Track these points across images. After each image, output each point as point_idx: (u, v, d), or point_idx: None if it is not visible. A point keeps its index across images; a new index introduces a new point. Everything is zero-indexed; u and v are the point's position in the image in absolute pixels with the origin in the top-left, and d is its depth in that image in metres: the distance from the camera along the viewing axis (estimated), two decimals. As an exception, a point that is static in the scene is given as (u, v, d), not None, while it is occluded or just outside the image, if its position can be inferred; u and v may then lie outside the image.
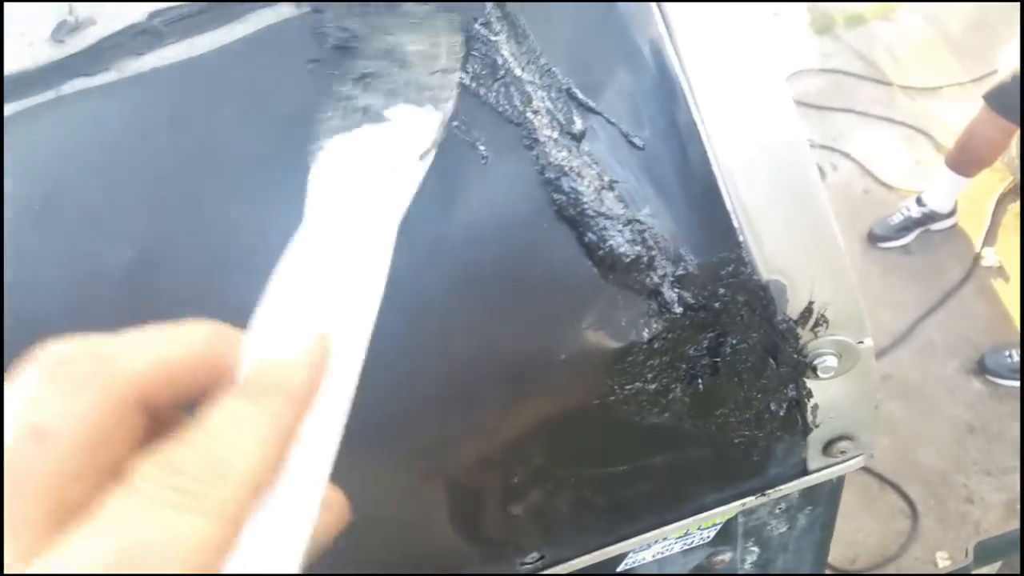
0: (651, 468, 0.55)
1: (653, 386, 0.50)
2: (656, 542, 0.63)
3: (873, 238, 2.43)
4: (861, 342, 0.52)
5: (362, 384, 0.48)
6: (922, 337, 2.22)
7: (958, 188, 2.38)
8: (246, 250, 0.47)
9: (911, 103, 2.76)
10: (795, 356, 0.51)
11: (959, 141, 2.31)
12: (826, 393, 0.54)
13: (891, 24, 3.00)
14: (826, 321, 0.51)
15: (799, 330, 0.50)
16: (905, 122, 2.70)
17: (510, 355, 0.49)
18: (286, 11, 0.51)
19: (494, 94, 0.48)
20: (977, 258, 2.36)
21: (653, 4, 0.49)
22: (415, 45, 0.47)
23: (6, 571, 0.21)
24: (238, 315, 0.47)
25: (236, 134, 0.48)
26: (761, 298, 0.49)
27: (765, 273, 0.49)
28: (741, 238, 0.48)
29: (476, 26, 0.50)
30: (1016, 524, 1.89)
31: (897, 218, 2.44)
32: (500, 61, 0.49)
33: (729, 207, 0.47)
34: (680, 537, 0.64)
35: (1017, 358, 2.09)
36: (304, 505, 0.28)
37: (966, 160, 2.31)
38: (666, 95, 0.48)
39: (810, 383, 0.53)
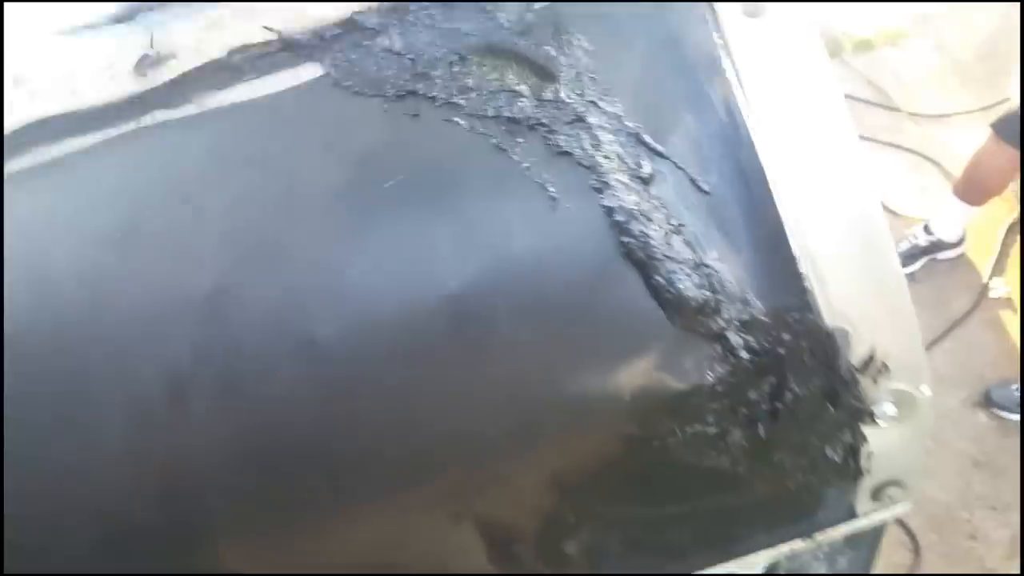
0: (703, 509, 0.55)
1: (713, 429, 0.50)
2: (700, 581, 0.63)
3: (880, 265, 2.43)
4: (920, 391, 0.52)
5: (412, 404, 0.49)
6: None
7: (966, 217, 2.38)
8: (320, 282, 0.47)
9: (919, 130, 2.77)
10: (855, 403, 0.51)
11: (967, 169, 2.31)
12: (881, 440, 0.54)
13: (900, 51, 3.01)
14: (887, 369, 0.51)
15: (860, 377, 0.51)
16: (913, 149, 2.71)
17: (574, 390, 0.49)
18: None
19: (564, 137, 0.49)
20: (984, 288, 2.36)
21: (722, 51, 0.49)
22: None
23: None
24: (308, 345, 0.47)
25: (313, 171, 0.49)
26: (825, 345, 0.49)
27: (830, 320, 0.49)
28: (807, 284, 0.48)
29: (547, 66, 0.50)
30: (1018, 561, 1.89)
31: (904, 246, 2.44)
32: (571, 103, 0.49)
33: (796, 253, 0.48)
34: (724, 576, 0.64)
35: (1025, 391, 2.09)
36: None
37: (974, 189, 2.32)
38: (733, 140, 0.49)
39: (866, 429, 0.53)
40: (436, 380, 0.48)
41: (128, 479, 0.47)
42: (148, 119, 0.51)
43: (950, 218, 2.39)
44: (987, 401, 2.13)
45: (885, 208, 2.47)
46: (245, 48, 0.52)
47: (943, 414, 2.13)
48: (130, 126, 0.51)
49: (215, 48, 0.53)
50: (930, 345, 2.24)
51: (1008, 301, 2.31)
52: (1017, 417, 2.08)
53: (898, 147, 2.71)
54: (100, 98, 0.52)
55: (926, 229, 2.43)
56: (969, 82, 2.83)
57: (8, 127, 0.52)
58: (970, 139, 2.40)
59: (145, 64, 0.52)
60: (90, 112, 0.52)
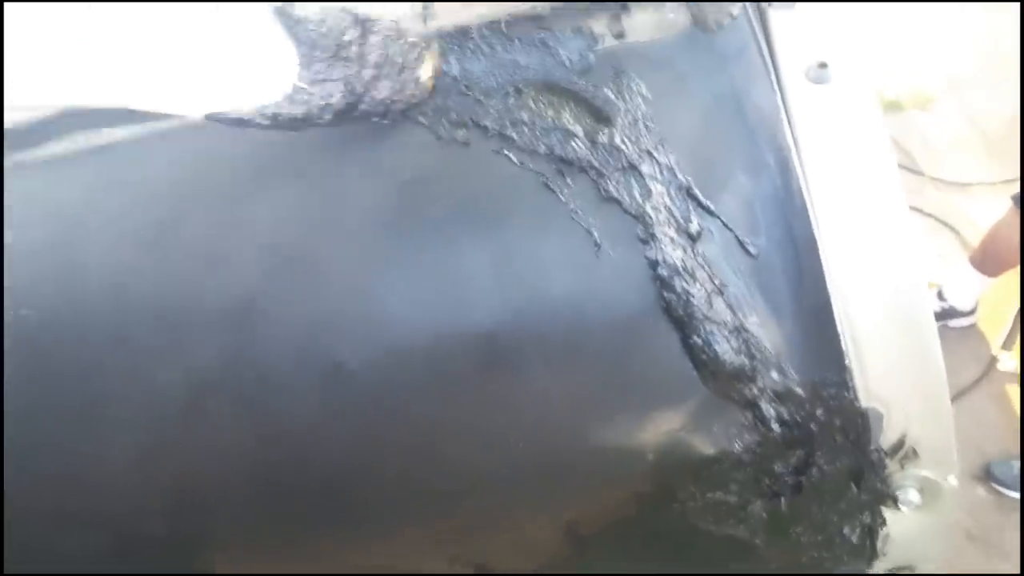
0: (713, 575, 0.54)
1: (734, 498, 0.49)
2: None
3: (889, 326, 2.42)
4: (946, 480, 0.51)
5: (436, 437, 0.48)
6: (929, 433, 2.21)
7: (980, 287, 2.37)
8: (353, 307, 0.46)
9: (940, 196, 2.77)
10: (879, 486, 0.50)
11: (985, 240, 2.31)
12: (900, 524, 0.53)
13: (928, 115, 3.01)
14: (916, 455, 0.50)
15: (888, 460, 0.49)
16: (933, 214, 2.71)
17: (598, 442, 0.48)
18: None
19: (614, 183, 0.48)
20: (993, 361, 2.35)
21: (783, 114, 0.48)
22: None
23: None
24: (334, 369, 0.46)
25: (358, 192, 0.48)
26: (857, 424, 0.48)
27: (865, 400, 0.48)
28: (847, 363, 0.47)
29: (604, 109, 0.49)
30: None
31: (916, 309, 2.43)
32: (625, 149, 0.48)
33: (839, 329, 0.47)
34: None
35: (1025, 469, 2.07)
36: None
37: (990, 260, 2.31)
38: (786, 206, 0.48)
39: (887, 512, 0.52)
40: (459, 418, 0.47)
41: (139, 485, 0.46)
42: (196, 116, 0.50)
43: (965, 286, 2.38)
44: (987, 475, 2.11)
45: (900, 269, 2.46)
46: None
47: (938, 483, 2.10)
48: (176, 122, 0.50)
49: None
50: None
51: (1015, 376, 2.29)
52: (1015, 494, 2.06)
53: (919, 211, 2.70)
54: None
55: (939, 295, 2.42)
56: (994, 153, 2.83)
57: (54, 109, 0.52)
58: (990, 209, 2.39)
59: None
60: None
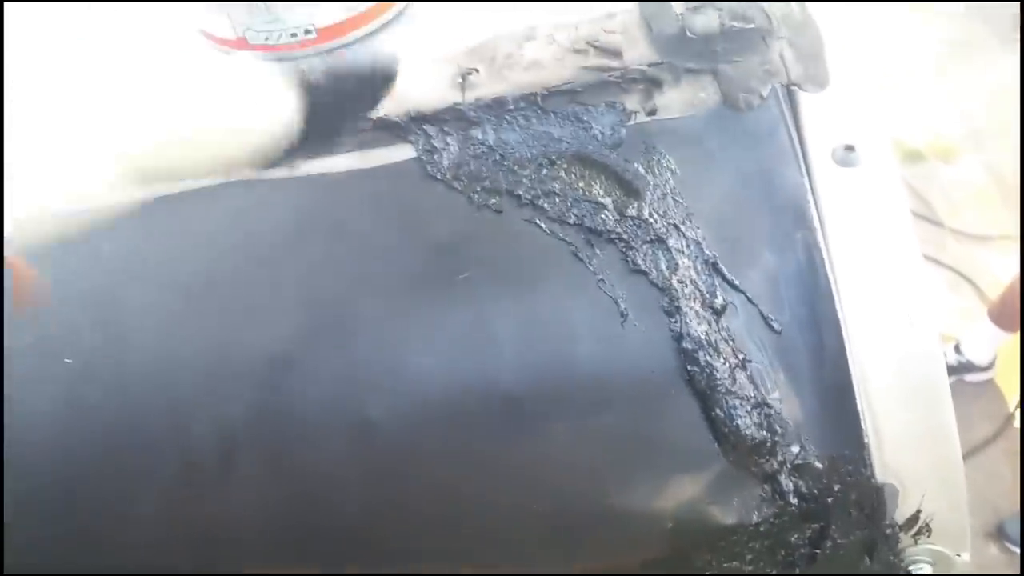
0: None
1: (750, 568, 0.50)
2: None
3: (905, 377, 2.41)
4: (959, 555, 0.52)
5: (454, 495, 0.49)
6: (943, 488, 2.19)
7: (997, 342, 2.36)
8: (383, 365, 0.48)
9: (960, 248, 2.77)
10: (891, 559, 0.51)
11: (1003, 294, 2.31)
12: (913, 596, 0.54)
13: (950, 167, 3.02)
14: (929, 530, 0.51)
15: (901, 535, 0.50)
16: (952, 267, 2.71)
17: (617, 509, 0.49)
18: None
19: (642, 255, 0.50)
20: (1010, 418, 2.34)
21: (809, 194, 0.50)
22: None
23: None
24: (363, 427, 0.47)
25: (391, 251, 0.50)
26: (873, 499, 0.49)
27: (881, 476, 0.49)
28: (866, 439, 0.48)
29: (634, 183, 0.51)
30: None
31: (932, 362, 2.42)
32: (653, 222, 0.50)
33: (859, 407, 0.48)
34: None
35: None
36: None
37: (1008, 314, 2.30)
38: (811, 286, 0.49)
39: (899, 585, 0.53)
40: (481, 477, 0.49)
41: (165, 538, 0.47)
42: (237, 175, 0.53)
43: (982, 341, 2.37)
44: (1000, 534, 2.10)
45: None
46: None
47: (951, 540, 2.08)
48: (218, 180, 0.52)
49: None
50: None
51: (1031, 433, 2.28)
52: (1026, 553, 2.04)
53: (938, 262, 2.70)
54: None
55: (956, 349, 2.42)
56: (1014, 206, 2.83)
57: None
58: (1010, 263, 2.39)
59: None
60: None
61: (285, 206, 0.52)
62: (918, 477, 0.49)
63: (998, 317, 2.32)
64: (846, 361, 0.48)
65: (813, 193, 0.51)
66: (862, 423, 0.48)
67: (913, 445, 0.49)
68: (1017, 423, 2.31)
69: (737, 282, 0.49)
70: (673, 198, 0.51)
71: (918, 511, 0.50)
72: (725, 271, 0.50)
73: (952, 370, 2.39)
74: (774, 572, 0.50)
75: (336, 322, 0.49)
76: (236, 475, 0.48)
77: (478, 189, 0.51)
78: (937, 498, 0.50)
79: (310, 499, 0.48)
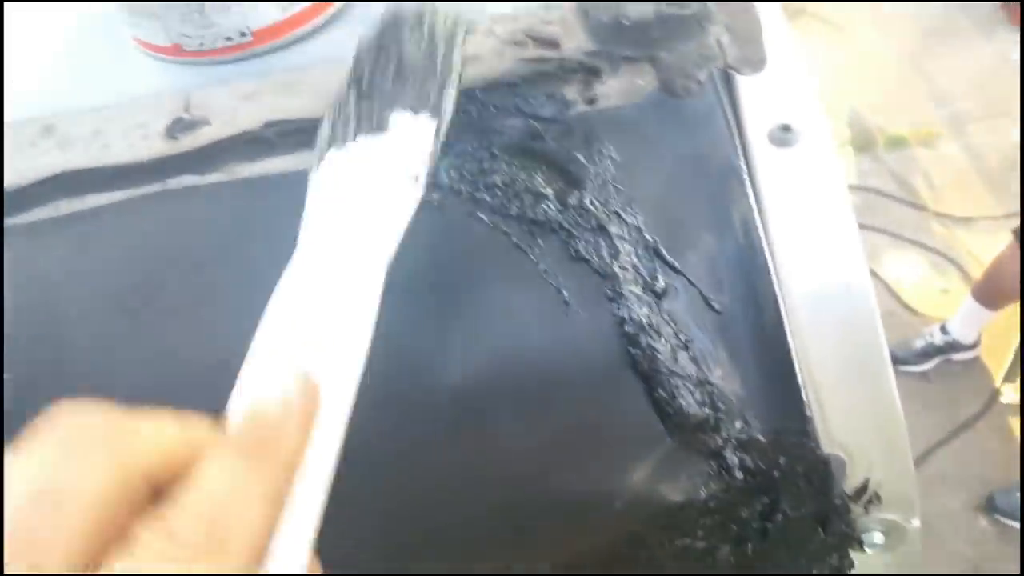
0: (685, 617, 0.56)
1: (702, 544, 0.51)
2: None
3: (893, 360, 2.43)
4: (910, 522, 0.53)
5: (405, 495, 0.49)
6: (933, 467, 2.21)
7: (983, 320, 2.38)
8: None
9: (943, 230, 2.78)
10: (844, 529, 0.52)
11: (987, 273, 2.33)
12: (867, 564, 0.54)
13: (931, 151, 3.04)
14: (879, 499, 0.51)
15: (852, 505, 0.51)
16: (936, 248, 2.73)
17: (565, 494, 0.50)
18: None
19: (584, 243, 0.50)
20: (996, 393, 2.35)
21: (745, 175, 0.51)
22: (412, 56, 0.48)
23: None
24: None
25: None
26: (820, 471, 0.50)
27: (827, 447, 0.50)
28: (808, 412, 0.49)
29: (575, 173, 0.52)
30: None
31: (919, 343, 2.44)
32: (594, 210, 0.51)
33: (800, 381, 0.49)
34: None
35: (1030, 501, 2.07)
36: (296, 566, 0.27)
37: (992, 293, 2.33)
38: (749, 264, 0.50)
39: (854, 555, 0.54)
40: (429, 473, 0.49)
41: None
42: (174, 183, 0.53)
43: (967, 320, 2.40)
44: (990, 506, 2.12)
45: (904, 304, 2.48)
46: (280, 122, 0.54)
47: (944, 515, 2.11)
48: (155, 187, 0.52)
49: (251, 119, 0.55)
50: (937, 446, 2.24)
51: (1017, 408, 2.30)
52: (1017, 524, 2.06)
53: (922, 245, 2.72)
54: (130, 156, 0.53)
55: (943, 329, 2.43)
56: (996, 188, 2.85)
57: (35, 176, 0.54)
58: (992, 244, 2.41)
59: (178, 127, 0.54)
60: (118, 169, 0.53)
61: (222, 213, 0.52)
62: (864, 447, 0.50)
63: (982, 296, 2.35)
64: (786, 336, 0.49)
65: (750, 173, 0.51)
66: (804, 396, 0.49)
67: (857, 415, 0.50)
68: (1003, 399, 2.33)
69: (678, 265, 0.50)
70: (614, 185, 0.52)
71: (866, 481, 0.51)
72: (666, 255, 0.50)
73: (939, 350, 2.41)
74: (727, 548, 0.51)
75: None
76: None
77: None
78: (884, 467, 0.51)
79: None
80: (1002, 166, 2.92)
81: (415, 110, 0.45)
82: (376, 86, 0.46)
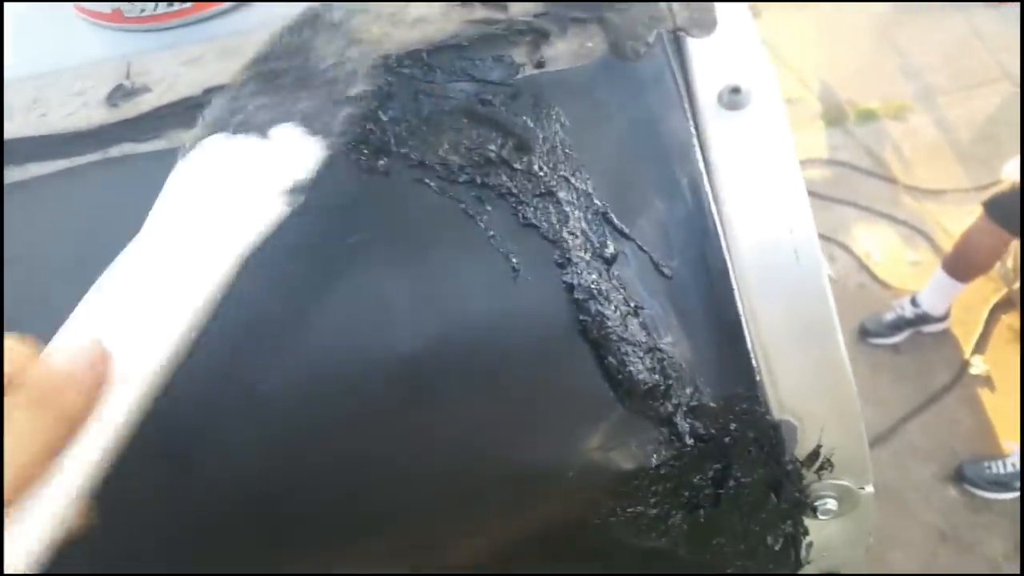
0: (641, 586, 0.55)
1: (655, 511, 0.50)
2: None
3: (864, 333, 2.45)
4: (863, 488, 0.52)
5: (358, 466, 0.49)
6: (903, 439, 2.23)
7: (953, 293, 2.40)
8: (272, 334, 0.47)
9: (914, 204, 2.80)
10: (797, 495, 0.52)
11: (957, 246, 2.35)
12: (822, 532, 0.54)
13: (902, 124, 3.05)
14: (831, 465, 0.51)
15: (804, 471, 0.51)
16: (907, 221, 2.74)
17: (517, 463, 0.49)
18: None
19: (532, 209, 0.49)
20: (965, 365, 2.38)
21: (695, 140, 0.50)
22: (324, 60, 0.47)
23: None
24: (253, 399, 0.47)
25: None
26: (771, 437, 0.49)
27: (777, 413, 0.49)
28: (758, 377, 0.48)
29: (523, 137, 0.51)
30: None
31: (890, 316, 2.46)
32: (543, 176, 0.50)
33: (750, 346, 0.48)
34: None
35: (997, 470, 2.09)
36: (56, 513, 0.31)
37: (962, 265, 2.35)
38: (699, 229, 0.49)
39: (808, 521, 0.53)
40: (382, 444, 0.49)
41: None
42: (115, 151, 0.52)
43: (937, 292, 2.42)
44: (959, 477, 2.14)
45: (875, 277, 2.49)
46: (221, 88, 0.53)
47: (914, 486, 2.14)
48: (96, 156, 0.51)
49: (191, 85, 0.53)
50: (907, 417, 2.26)
51: (987, 379, 2.32)
52: (987, 494, 2.09)
53: (892, 218, 2.74)
54: (70, 124, 0.52)
55: (913, 302, 2.45)
56: (966, 161, 2.87)
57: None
58: (962, 216, 2.43)
59: (119, 95, 0.52)
60: (58, 138, 0.52)
61: (164, 179, 0.51)
62: (815, 412, 0.50)
63: (952, 268, 2.37)
64: (735, 301, 0.48)
65: (699, 137, 0.51)
66: (754, 361, 0.48)
67: (807, 380, 0.49)
68: (973, 370, 2.35)
69: (627, 230, 0.50)
70: (563, 150, 0.51)
71: (818, 446, 0.51)
72: (615, 220, 0.50)
73: (909, 323, 2.43)
74: (679, 514, 0.50)
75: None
76: (128, 464, 0.47)
77: (364, 152, 0.51)
78: (836, 432, 0.51)
79: (203, 483, 0.48)
80: (972, 138, 2.94)
81: (307, 127, 0.44)
82: (275, 85, 0.46)
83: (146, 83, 0.53)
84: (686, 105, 0.52)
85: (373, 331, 0.48)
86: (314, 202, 0.49)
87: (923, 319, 2.43)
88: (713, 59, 0.53)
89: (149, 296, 0.37)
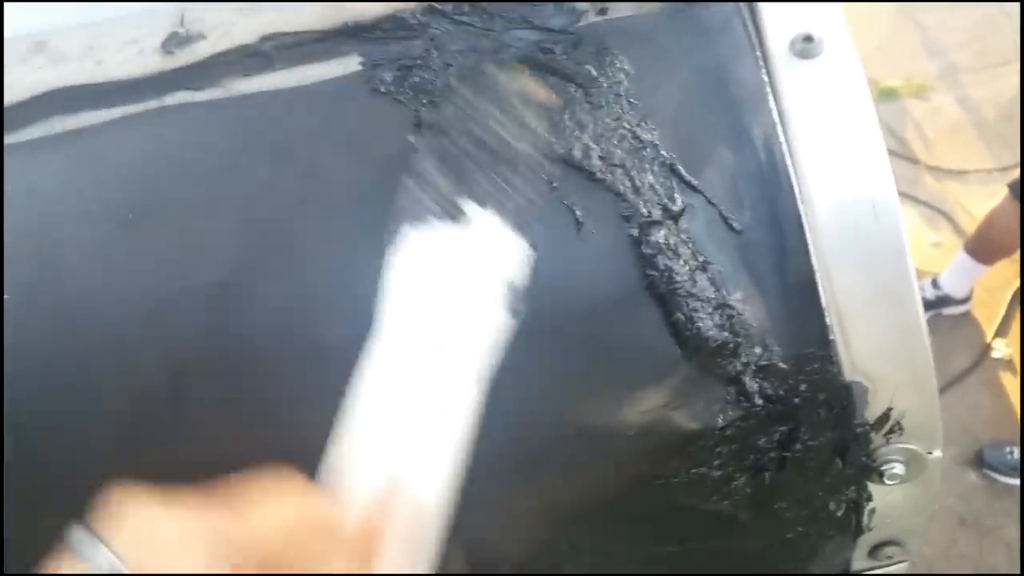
0: (697, 551, 0.54)
1: (718, 473, 0.49)
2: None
3: (884, 314, 2.43)
4: (931, 453, 0.51)
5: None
6: (923, 420, 2.21)
7: (975, 275, 2.38)
8: (336, 289, 0.46)
9: (936, 184, 2.77)
10: (864, 459, 0.50)
11: (980, 227, 2.31)
12: (886, 498, 0.53)
13: (924, 103, 3.01)
14: (901, 428, 0.50)
15: (873, 434, 0.49)
16: (928, 202, 2.71)
17: (580, 421, 0.48)
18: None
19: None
20: (987, 348, 2.35)
21: (768, 89, 0.48)
22: (504, 126, 0.47)
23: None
24: (319, 353, 0.46)
25: (335, 169, 0.47)
26: (842, 398, 0.48)
27: (849, 374, 0.48)
28: (832, 337, 0.47)
29: (586, 89, 0.49)
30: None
31: (911, 297, 2.44)
32: (607, 127, 0.48)
33: (824, 304, 0.46)
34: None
35: (1018, 456, 2.07)
36: None
37: (985, 247, 2.32)
38: (772, 182, 0.47)
39: (873, 487, 0.52)
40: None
41: (118, 475, 0.46)
42: (171, 99, 0.50)
43: (959, 275, 2.39)
44: (979, 461, 2.12)
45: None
46: (278, 36, 0.51)
47: (933, 470, 2.11)
48: (152, 104, 0.50)
49: (247, 33, 0.52)
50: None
51: (1009, 363, 2.30)
52: (1007, 480, 2.07)
53: (914, 199, 2.70)
54: (125, 72, 0.51)
55: (934, 284, 2.43)
56: (990, 141, 2.83)
57: (27, 92, 0.51)
58: (986, 197, 2.40)
59: (174, 42, 0.51)
60: (113, 85, 0.50)
61: (222, 128, 0.50)
62: (888, 375, 0.48)
63: (975, 250, 2.33)
64: (809, 258, 0.47)
65: (771, 86, 0.49)
66: (827, 321, 0.47)
67: (881, 342, 0.48)
68: (994, 354, 2.33)
69: (695, 183, 0.48)
70: (627, 99, 0.49)
71: (889, 409, 0.49)
72: (683, 172, 0.48)
73: (930, 304, 2.40)
74: (743, 477, 0.49)
75: (283, 245, 0.47)
76: (188, 409, 0.46)
77: (424, 102, 0.49)
78: (908, 395, 0.49)
79: (267, 431, 0.46)
80: (997, 118, 2.90)
81: (500, 208, 0.45)
82: (460, 152, 0.46)
83: (201, 31, 0.52)
84: (757, 53, 0.50)
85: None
86: (374, 152, 0.47)
87: (944, 301, 2.41)
88: (784, 6, 0.51)
89: (417, 432, 0.39)
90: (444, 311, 0.42)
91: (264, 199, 0.48)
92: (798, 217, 0.47)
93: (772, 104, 0.48)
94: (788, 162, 0.47)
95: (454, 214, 0.45)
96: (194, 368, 0.46)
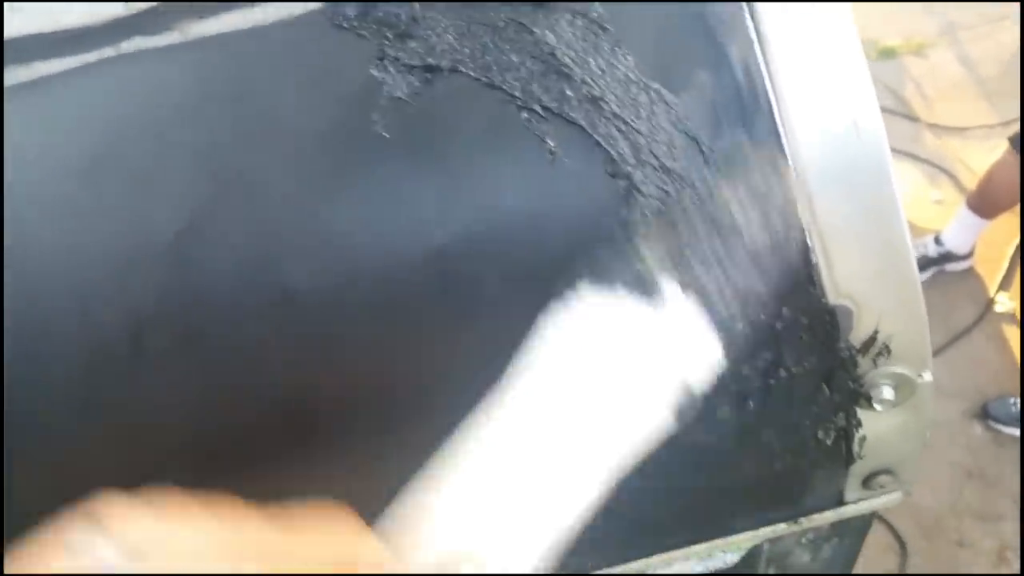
0: (684, 487, 0.53)
1: (701, 404, 0.48)
2: (678, 562, 0.61)
3: (887, 272, 2.42)
4: (920, 376, 0.50)
5: (399, 366, 0.47)
6: (928, 377, 2.21)
7: (977, 230, 2.36)
8: (298, 229, 0.45)
9: (937, 141, 2.74)
10: (851, 385, 0.49)
11: (981, 183, 2.30)
12: (876, 425, 0.52)
13: (923, 60, 2.98)
14: (888, 351, 0.49)
15: (859, 358, 0.49)
16: (930, 160, 2.69)
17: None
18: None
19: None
20: (990, 303, 2.34)
21: (746, 11, 0.47)
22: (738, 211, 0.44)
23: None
24: (282, 296, 0.45)
25: (298, 109, 0.46)
26: (826, 322, 0.47)
27: (833, 297, 0.47)
28: (813, 259, 0.46)
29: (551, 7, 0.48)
30: (1005, 571, 1.88)
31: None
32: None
33: (805, 225, 0.46)
34: (703, 559, 0.62)
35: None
36: None
37: (987, 202, 2.30)
38: (751, 106, 0.46)
39: (862, 413, 0.51)
40: (416, 340, 0.46)
41: (81, 429, 0.45)
42: (127, 45, 0.49)
43: (961, 230, 2.37)
44: (984, 414, 2.12)
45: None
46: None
47: (939, 424, 2.11)
48: (108, 52, 0.48)
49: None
50: (933, 355, 2.23)
51: (1012, 316, 2.29)
52: (1012, 431, 2.07)
53: (915, 157, 2.68)
54: (78, 20, 0.49)
55: (937, 240, 2.41)
56: (990, 96, 2.80)
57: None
58: (987, 153, 2.38)
59: (126, -11, 0.50)
60: (67, 34, 0.49)
61: (179, 73, 0.48)
62: (873, 297, 0.47)
63: (976, 205, 2.32)
64: (788, 178, 0.46)
65: (749, 8, 0.48)
66: (808, 243, 0.46)
67: (865, 263, 0.47)
68: (997, 308, 2.32)
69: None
70: (600, 25, 0.48)
71: (875, 332, 0.48)
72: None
73: (933, 261, 2.39)
74: (727, 408, 0.48)
75: (244, 188, 0.46)
76: (148, 358, 0.45)
77: (390, 36, 0.48)
78: (895, 317, 0.48)
79: (231, 377, 0.46)
80: (997, 73, 2.87)
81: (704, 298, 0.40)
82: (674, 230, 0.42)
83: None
84: (733, -25, 0.48)
85: (400, 220, 0.46)
86: (337, 91, 0.46)
87: (947, 258, 2.39)
88: (760, -74, 0.49)
89: (513, 512, 0.35)
90: (601, 388, 0.38)
91: (224, 143, 0.47)
92: (778, 138, 0.46)
93: (749, 20, 0.47)
94: (767, 83, 0.46)
95: (649, 290, 0.41)
96: (154, 318, 0.45)
